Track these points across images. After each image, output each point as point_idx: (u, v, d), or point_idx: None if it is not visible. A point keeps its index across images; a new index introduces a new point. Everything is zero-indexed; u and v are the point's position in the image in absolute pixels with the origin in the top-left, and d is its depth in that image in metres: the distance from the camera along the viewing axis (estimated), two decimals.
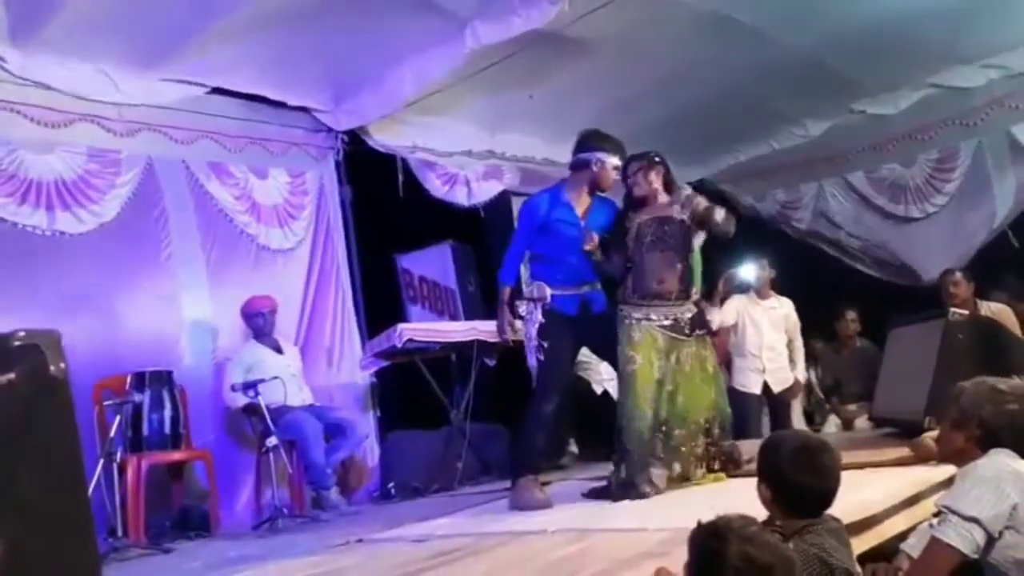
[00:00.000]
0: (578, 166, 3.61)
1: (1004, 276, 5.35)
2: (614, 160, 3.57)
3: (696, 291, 3.55)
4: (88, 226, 4.38)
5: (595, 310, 3.63)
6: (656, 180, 3.50)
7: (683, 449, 3.40)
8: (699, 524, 1.51)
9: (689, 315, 3.46)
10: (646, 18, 4.60)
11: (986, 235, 6.14)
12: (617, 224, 3.60)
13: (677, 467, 3.39)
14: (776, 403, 5.40)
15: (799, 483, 1.83)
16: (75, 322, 4.07)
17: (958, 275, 5.01)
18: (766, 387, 5.33)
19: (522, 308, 3.65)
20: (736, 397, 5.37)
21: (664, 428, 3.37)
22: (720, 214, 3.52)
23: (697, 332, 3.48)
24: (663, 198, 3.52)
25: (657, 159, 3.53)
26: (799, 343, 5.43)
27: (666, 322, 3.41)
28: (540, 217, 3.61)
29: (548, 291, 3.54)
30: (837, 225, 6.97)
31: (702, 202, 3.51)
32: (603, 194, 3.68)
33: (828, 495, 1.86)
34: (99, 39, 4.14)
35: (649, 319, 3.41)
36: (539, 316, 3.53)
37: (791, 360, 5.40)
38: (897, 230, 6.64)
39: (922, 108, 6.00)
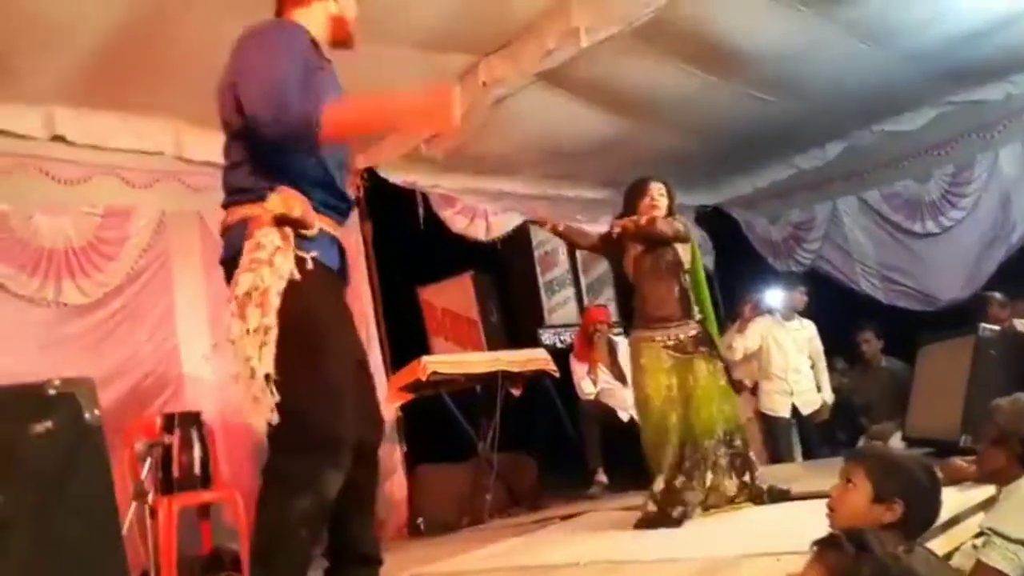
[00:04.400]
0: None
1: None
2: None
3: (698, 312, 3.60)
4: (92, 298, 4.38)
5: None
6: (663, 208, 3.62)
7: (709, 461, 3.40)
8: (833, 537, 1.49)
9: (693, 333, 3.53)
10: (654, 68, 4.66)
11: (1006, 250, 6.01)
12: (609, 240, 3.74)
13: (709, 476, 3.38)
14: (805, 426, 5.31)
15: (934, 507, 1.85)
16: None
17: (1002, 300, 4.94)
18: (795, 410, 5.26)
19: None
20: (766, 421, 5.33)
21: (689, 446, 3.38)
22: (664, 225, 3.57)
23: (701, 349, 3.52)
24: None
25: (663, 187, 3.67)
26: (822, 365, 5.38)
27: (670, 342, 3.48)
28: None
29: None
30: (850, 246, 6.89)
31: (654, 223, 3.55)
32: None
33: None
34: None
35: (654, 340, 3.49)
36: None
37: (817, 383, 5.34)
38: (914, 247, 6.53)
39: (939, 123, 5.93)
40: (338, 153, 2.05)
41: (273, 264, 1.77)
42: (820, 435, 5.46)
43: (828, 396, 5.37)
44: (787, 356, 5.27)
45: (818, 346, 5.37)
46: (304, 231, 1.84)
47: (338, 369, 1.88)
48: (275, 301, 1.76)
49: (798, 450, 5.31)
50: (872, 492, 1.82)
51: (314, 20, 2.09)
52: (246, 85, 1.89)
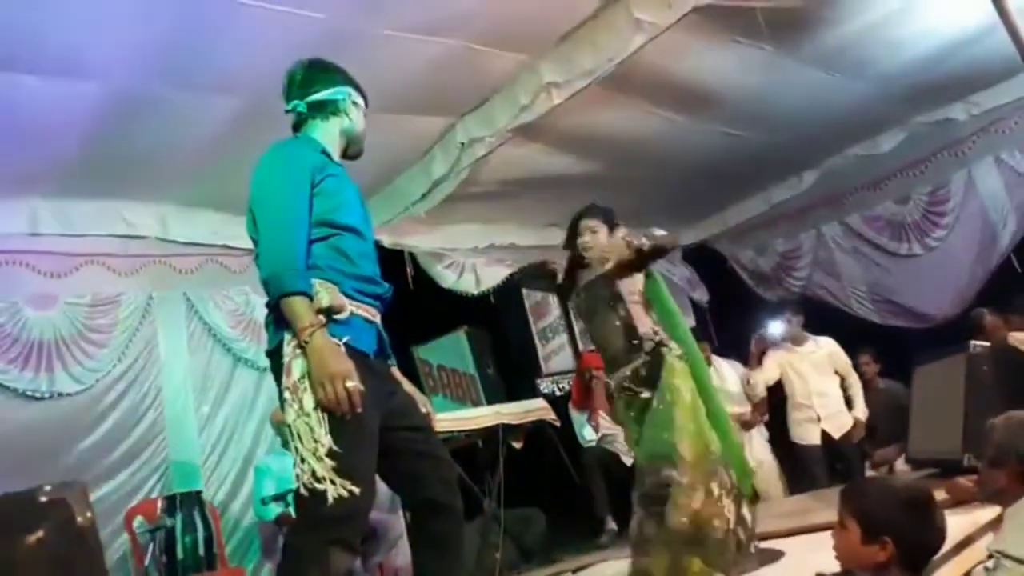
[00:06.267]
0: None
1: (1015, 298, 5.25)
2: None
3: (645, 338, 3.08)
4: (85, 385, 4.41)
5: None
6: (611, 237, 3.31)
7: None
8: None
9: (639, 363, 3.05)
10: (627, 113, 4.76)
11: (990, 265, 6.04)
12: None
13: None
14: (840, 451, 5.13)
15: (930, 535, 1.82)
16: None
17: (993, 316, 4.93)
18: (825, 436, 5.13)
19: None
20: (796, 451, 5.26)
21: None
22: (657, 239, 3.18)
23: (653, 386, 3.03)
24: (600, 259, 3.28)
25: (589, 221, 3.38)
26: (854, 379, 5.23)
27: (624, 383, 3.10)
28: None
29: None
30: (839, 270, 6.91)
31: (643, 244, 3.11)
32: None
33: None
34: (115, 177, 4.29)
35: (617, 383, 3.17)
36: None
37: (847, 401, 5.20)
38: (901, 268, 6.54)
39: (911, 143, 6.00)
40: (363, 244, 2.18)
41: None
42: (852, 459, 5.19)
43: (861, 413, 5.17)
44: (807, 382, 5.19)
45: (844, 359, 5.24)
46: (335, 316, 1.96)
47: (356, 450, 1.93)
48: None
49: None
50: (861, 534, 1.81)
51: (329, 134, 2.27)
52: (257, 220, 2.06)
